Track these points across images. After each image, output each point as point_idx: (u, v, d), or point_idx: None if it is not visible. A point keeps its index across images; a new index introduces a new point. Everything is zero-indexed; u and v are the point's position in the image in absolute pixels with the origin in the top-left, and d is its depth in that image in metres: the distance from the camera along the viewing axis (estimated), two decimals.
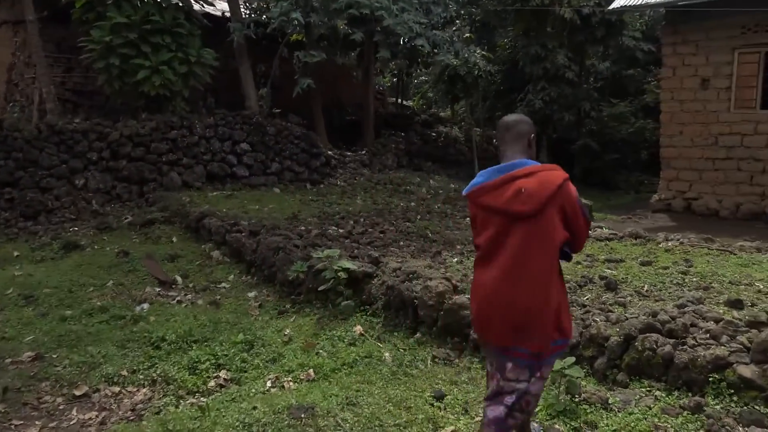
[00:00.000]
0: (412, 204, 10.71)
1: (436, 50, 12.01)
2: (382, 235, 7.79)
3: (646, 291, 5.05)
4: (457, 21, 17.89)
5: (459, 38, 12.50)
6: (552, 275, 2.63)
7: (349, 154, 13.79)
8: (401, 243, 7.34)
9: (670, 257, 6.32)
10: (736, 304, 4.48)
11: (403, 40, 11.42)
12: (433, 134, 15.23)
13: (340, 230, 7.93)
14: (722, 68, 10.98)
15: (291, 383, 4.24)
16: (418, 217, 9.36)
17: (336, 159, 13.09)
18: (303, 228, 8.10)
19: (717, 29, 11.01)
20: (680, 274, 5.49)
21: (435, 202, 10.91)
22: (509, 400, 2.65)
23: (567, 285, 5.17)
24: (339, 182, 12.38)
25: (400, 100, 22.08)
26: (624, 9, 12.09)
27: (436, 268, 5.90)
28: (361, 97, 14.82)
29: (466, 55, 12.33)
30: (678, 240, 7.05)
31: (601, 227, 8.13)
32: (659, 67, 21.35)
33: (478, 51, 13.84)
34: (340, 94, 17.12)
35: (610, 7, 12.21)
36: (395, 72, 18.96)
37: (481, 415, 2.92)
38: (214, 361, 4.70)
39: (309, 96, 13.42)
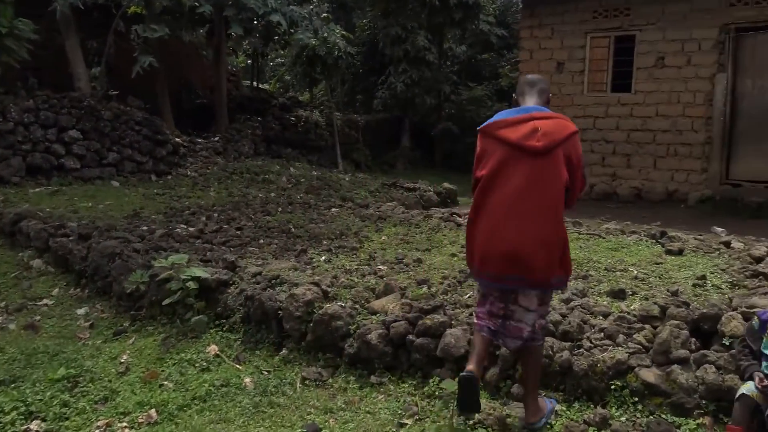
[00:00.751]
0: (272, 195, 9.94)
1: (293, 28, 11.23)
2: (239, 232, 6.99)
3: None
4: (325, 5, 17.18)
5: (318, 16, 11.80)
6: (558, 211, 2.82)
7: (200, 141, 12.65)
8: (261, 241, 6.60)
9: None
10: (619, 294, 4.33)
11: (258, 16, 10.50)
12: (293, 119, 14.46)
13: (190, 229, 7.01)
14: (576, 52, 11.33)
15: (126, 431, 3.43)
16: (279, 209, 8.63)
17: (185, 147, 11.92)
18: (145, 228, 7.07)
19: (571, 13, 11.32)
20: None
21: (297, 192, 10.22)
22: (527, 331, 2.88)
23: (446, 280, 4.81)
24: (189, 172, 11.27)
25: (255, 83, 20.95)
26: None
27: (302, 270, 5.28)
28: (213, 79, 13.66)
29: (326, 35, 11.68)
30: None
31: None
32: (512, 52, 22.28)
33: (338, 30, 13.24)
34: (190, 75, 15.76)
35: None
36: (249, 52, 17.83)
37: None
38: (24, 408, 3.71)
39: (153, 77, 12.08)
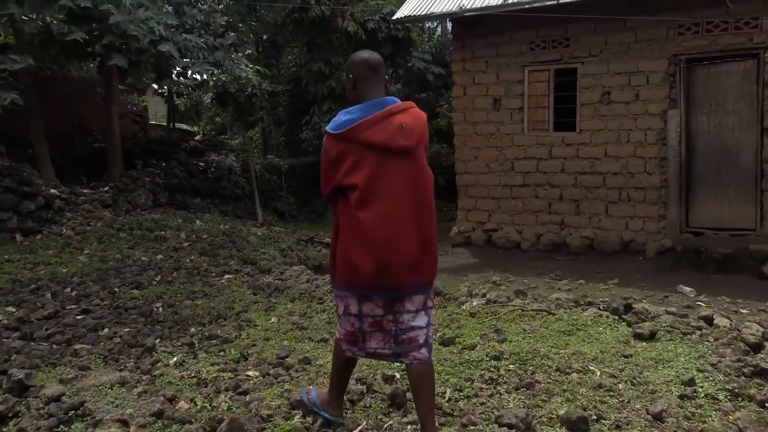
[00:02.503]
0: (159, 257, 8.32)
1: (189, 60, 9.80)
2: (81, 317, 5.35)
3: (450, 402, 3.39)
4: (232, 34, 15.85)
5: (223, 47, 10.44)
6: (433, 205, 2.80)
7: (86, 192, 10.92)
8: (104, 331, 4.99)
9: (477, 326, 4.83)
10: (579, 424, 2.95)
11: (141, 45, 9.04)
12: (201, 164, 12.88)
13: (15, 314, 5.32)
14: (513, 87, 10.29)
15: None
16: (157, 278, 7.03)
17: (63, 199, 10.17)
18: None
19: (506, 45, 10.32)
20: (492, 360, 3.95)
21: (191, 253, 8.62)
22: (422, 336, 2.81)
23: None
24: (65, 230, 9.51)
25: (172, 124, 19.30)
26: (408, 19, 11.02)
27: (132, 384, 3.73)
28: (104, 120, 12.03)
29: (231, 66, 10.28)
30: (483, 297, 5.63)
31: None
32: (450, 91, 21.47)
33: (247, 64, 11.89)
34: (85, 115, 14.04)
35: (394, 17, 11.05)
36: (160, 91, 16.27)
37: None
38: None
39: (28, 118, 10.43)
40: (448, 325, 4.87)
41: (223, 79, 11.94)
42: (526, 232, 10.24)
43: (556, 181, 10.00)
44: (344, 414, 3.17)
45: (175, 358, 4.26)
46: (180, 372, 4.01)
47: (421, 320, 2.82)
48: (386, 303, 2.77)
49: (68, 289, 6.47)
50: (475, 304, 5.36)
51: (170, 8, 9.94)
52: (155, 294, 6.23)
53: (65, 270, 7.44)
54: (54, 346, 4.62)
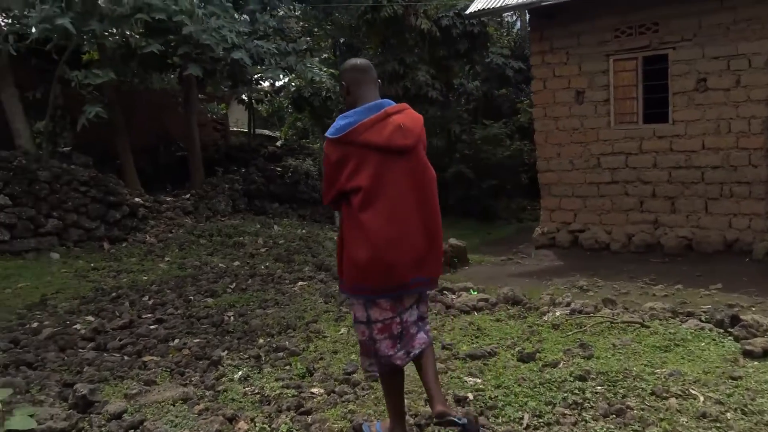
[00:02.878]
0: (236, 264, 8.36)
1: (262, 66, 9.86)
2: (153, 327, 5.37)
3: (528, 430, 3.05)
4: (308, 38, 15.95)
5: (295, 51, 10.44)
6: (437, 203, 2.84)
7: (168, 199, 11.22)
8: (175, 342, 4.97)
9: (560, 340, 4.43)
10: None
11: (215, 54, 9.16)
12: (279, 169, 12.97)
13: (92, 323, 5.41)
14: (597, 78, 9.67)
15: None
16: (232, 286, 7.03)
17: (147, 208, 10.49)
18: (36, 324, 5.52)
19: (588, 33, 9.71)
20: (577, 381, 3.56)
21: (267, 259, 8.62)
22: (419, 325, 2.90)
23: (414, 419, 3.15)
24: (149, 237, 9.79)
25: (253, 131, 19.71)
26: (482, 13, 10.61)
27: (194, 401, 3.62)
28: (185, 129, 12.34)
29: (303, 70, 10.25)
30: (567, 306, 5.20)
31: (470, 289, 6.18)
32: (530, 86, 20.77)
33: (321, 67, 11.86)
34: (168, 126, 14.52)
35: (467, 11, 10.67)
36: (240, 97, 16.61)
37: None
38: None
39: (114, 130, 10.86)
40: (528, 339, 4.50)
41: (298, 83, 11.98)
42: (616, 233, 9.59)
43: (648, 177, 9.29)
44: None
45: (240, 372, 4.14)
46: (244, 387, 3.88)
47: (422, 310, 2.95)
48: (392, 304, 2.81)
49: (146, 297, 6.56)
50: (558, 314, 4.95)
51: (245, 17, 10.03)
52: (228, 302, 6.20)
53: (145, 278, 7.59)
54: (125, 358, 4.63)
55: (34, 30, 8.60)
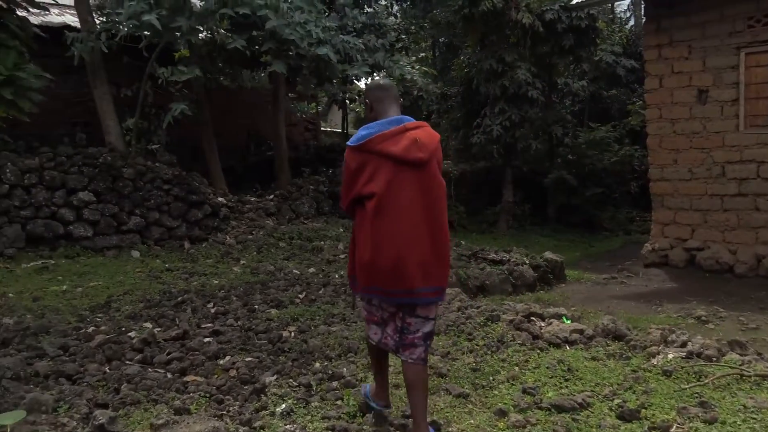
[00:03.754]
0: (310, 270, 7.95)
1: (350, 63, 9.42)
2: (207, 340, 4.99)
3: None
4: (403, 36, 15.45)
5: (384, 48, 9.92)
6: (446, 215, 3.02)
7: (252, 200, 11.05)
8: (225, 359, 4.55)
9: (673, 393, 3.58)
10: None
11: (299, 49, 8.81)
12: None
13: (147, 332, 5.11)
14: (725, 74, 8.47)
15: None
16: (301, 295, 6.59)
17: (229, 208, 10.34)
18: (92, 329, 5.30)
19: (715, 24, 8.54)
20: None
21: (343, 266, 8.13)
22: (419, 339, 3.05)
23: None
24: (229, 238, 9.61)
25: (346, 131, 19.49)
26: (588, 3, 9.70)
27: None
28: (272, 128, 12.17)
29: (392, 66, 9.71)
30: (683, 347, 4.29)
31: (562, 316, 5.36)
32: (644, 86, 19.18)
33: (413, 65, 11.29)
34: (260, 125, 14.49)
35: (573, 1, 9.73)
36: (332, 95, 16.39)
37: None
38: None
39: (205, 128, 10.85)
40: (630, 388, 3.68)
41: (390, 79, 11.47)
42: (742, 253, 8.35)
43: None
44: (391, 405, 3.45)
45: (284, 405, 3.62)
46: (284, 424, 3.36)
47: (427, 327, 3.08)
48: (396, 307, 3.06)
49: (210, 304, 6.24)
50: (670, 357, 4.08)
51: (333, 14, 9.65)
52: (293, 315, 5.74)
53: (216, 282, 7.32)
54: (168, 375, 4.24)
55: (123, 27, 8.62)
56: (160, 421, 3.34)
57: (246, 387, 4.02)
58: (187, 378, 4.19)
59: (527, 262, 8.86)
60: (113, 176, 8.89)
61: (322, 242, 9.71)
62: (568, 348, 4.59)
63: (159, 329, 5.35)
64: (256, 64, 11.02)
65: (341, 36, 8.88)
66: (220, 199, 10.30)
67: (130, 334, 5.19)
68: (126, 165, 9.08)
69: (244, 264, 8.33)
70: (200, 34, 9.12)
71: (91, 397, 3.80)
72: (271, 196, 11.34)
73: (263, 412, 3.57)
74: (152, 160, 9.68)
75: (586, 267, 11.13)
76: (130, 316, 5.78)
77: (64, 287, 6.75)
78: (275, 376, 4.19)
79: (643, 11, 10.31)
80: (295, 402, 3.70)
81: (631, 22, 24.72)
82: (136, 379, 4.13)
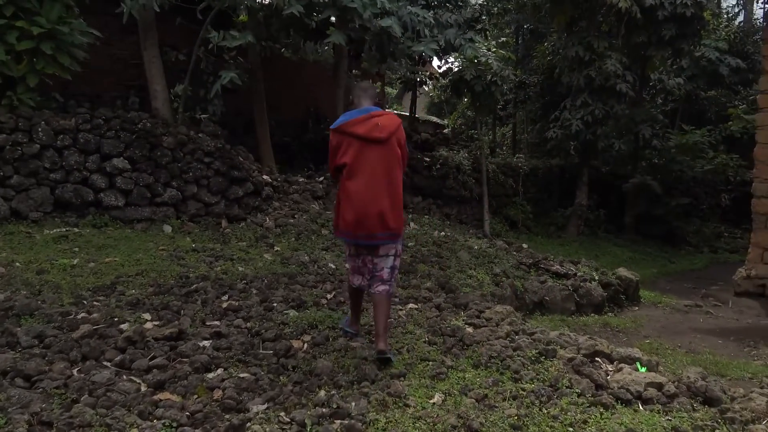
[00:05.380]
0: (347, 265, 7.15)
1: (417, 38, 8.49)
2: (203, 344, 4.28)
3: None
4: (483, 17, 14.34)
5: (457, 23, 8.94)
6: (400, 179, 4.18)
7: (300, 180, 10.38)
8: (218, 371, 3.84)
9: None
10: None
11: (361, 19, 7.98)
12: (426, 159, 11.61)
13: (140, 326, 4.45)
14: None
15: None
16: (329, 295, 5.84)
17: (274, 187, 9.69)
18: (83, 315, 4.70)
19: None
20: None
21: None
22: (386, 274, 4.19)
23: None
24: (268, 220, 8.95)
25: (413, 115, 18.54)
26: None
27: None
28: (331, 105, 11.43)
29: (463, 45, 8.71)
30: None
31: (635, 360, 4.34)
32: (749, 89, 17.31)
33: (493, 46, 10.25)
34: (320, 102, 13.79)
35: None
36: (404, 77, 15.47)
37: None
38: None
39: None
40: None
41: (463, 63, 10.51)
42: None
43: None
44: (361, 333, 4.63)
45: None
46: None
47: (389, 263, 4.21)
48: (364, 249, 4.20)
49: (225, 297, 5.57)
50: None
51: None
52: (311, 321, 4.97)
53: (241, 269, 6.65)
54: (141, 388, 3.56)
55: None
56: None
57: (227, 416, 3.28)
58: (161, 396, 3.48)
59: (596, 278, 7.79)
60: (151, 144, 8.36)
61: None
62: (639, 406, 3.61)
63: (156, 322, 4.71)
64: (319, 36, 10.29)
65: (409, 8, 7.97)
66: (264, 177, 9.65)
67: (122, 326, 4.55)
68: (166, 133, 8.53)
69: (277, 251, 7.64)
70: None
71: (37, 410, 3.15)
72: (321, 178, 10.64)
73: None
74: (196, 130, 9.11)
75: (665, 288, 9.91)
76: (132, 303, 5.16)
77: (75, 261, 6.22)
78: (266, 405, 3.44)
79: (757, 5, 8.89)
80: None
81: (740, 18, 22.58)
82: (100, 390, 3.46)
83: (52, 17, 7.85)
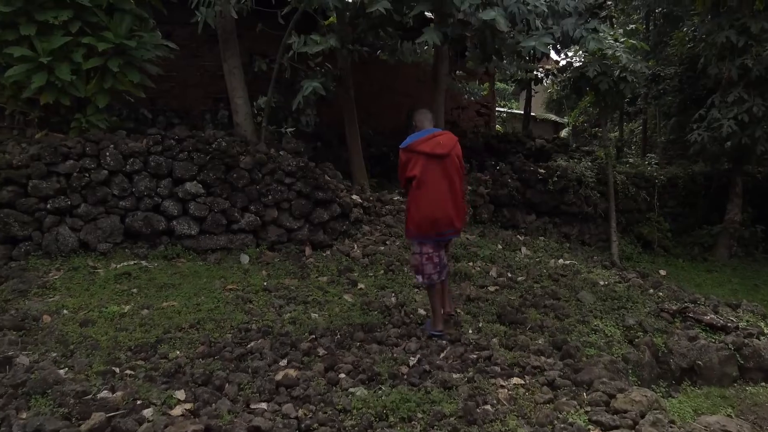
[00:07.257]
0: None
1: (527, 32, 7.18)
2: None
3: None
4: (608, 2, 12.62)
5: (576, 11, 7.50)
6: (461, 185, 5.24)
7: (396, 199, 9.34)
8: None
9: None
10: None
11: (459, 12, 6.82)
12: (541, 171, 10.17)
13: (173, 409, 3.59)
14: None
15: None
16: (410, 360, 4.74)
17: (363, 208, 8.74)
18: (105, 394, 3.91)
19: None
20: None
21: (489, 310, 6.08)
22: (447, 263, 5.44)
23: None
24: (356, 248, 7.99)
25: (529, 114, 16.97)
26: None
27: None
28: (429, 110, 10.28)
29: (585, 36, 7.27)
30: None
31: None
32: None
33: (620, 35, 8.68)
34: (422, 107, 12.68)
35: None
36: (515, 76, 14.03)
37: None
38: None
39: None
40: None
41: (585, 58, 9.07)
42: None
43: None
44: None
45: None
46: None
47: (445, 255, 5.39)
48: (435, 246, 5.21)
49: (283, 362, 4.62)
50: None
51: None
52: (379, 408, 3.90)
53: (314, 317, 5.71)
54: None
55: None
56: None
57: None
58: None
59: (766, 331, 6.10)
60: (227, 165, 7.65)
61: (471, 263, 7.73)
62: None
63: (188, 405, 3.83)
64: (416, 34, 9.22)
65: None
66: (354, 197, 8.72)
67: (144, 412, 3.72)
68: (244, 152, 7.80)
69: (360, 290, 6.64)
70: None
71: None
72: None
73: None
74: (276, 147, 8.32)
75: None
76: (169, 373, 4.34)
77: (126, 309, 5.55)
78: None
79: None
80: None
81: None
82: None
83: (122, 31, 7.34)
